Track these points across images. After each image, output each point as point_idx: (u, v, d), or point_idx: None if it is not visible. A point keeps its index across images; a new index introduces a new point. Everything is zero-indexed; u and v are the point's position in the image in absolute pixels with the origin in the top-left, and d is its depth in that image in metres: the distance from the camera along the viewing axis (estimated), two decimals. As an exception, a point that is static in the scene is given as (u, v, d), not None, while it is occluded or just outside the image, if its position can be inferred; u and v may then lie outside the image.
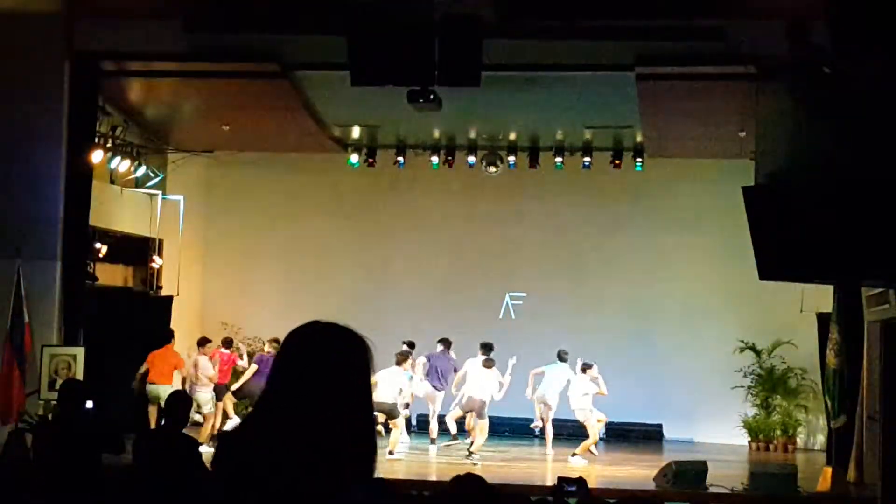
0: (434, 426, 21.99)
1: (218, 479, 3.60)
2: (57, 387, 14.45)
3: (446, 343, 22.19)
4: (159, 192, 23.52)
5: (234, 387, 21.13)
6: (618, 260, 25.04)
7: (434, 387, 21.98)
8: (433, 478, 17.79)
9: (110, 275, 21.99)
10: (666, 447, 23.30)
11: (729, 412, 23.56)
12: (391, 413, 19.96)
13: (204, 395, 20.59)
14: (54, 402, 13.71)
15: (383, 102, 20.04)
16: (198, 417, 20.96)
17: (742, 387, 23.74)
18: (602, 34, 17.97)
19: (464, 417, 21.06)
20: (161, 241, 23.62)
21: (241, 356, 21.80)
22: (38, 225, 18.88)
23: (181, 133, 23.91)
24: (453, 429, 21.21)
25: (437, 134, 23.88)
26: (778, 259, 11.75)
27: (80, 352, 18.63)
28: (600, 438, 21.52)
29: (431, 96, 17.50)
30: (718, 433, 23.66)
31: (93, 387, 14.95)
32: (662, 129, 21.76)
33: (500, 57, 17.82)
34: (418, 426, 23.50)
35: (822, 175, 11.35)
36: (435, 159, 24.40)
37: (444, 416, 21.77)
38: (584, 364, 20.85)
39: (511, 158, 24.18)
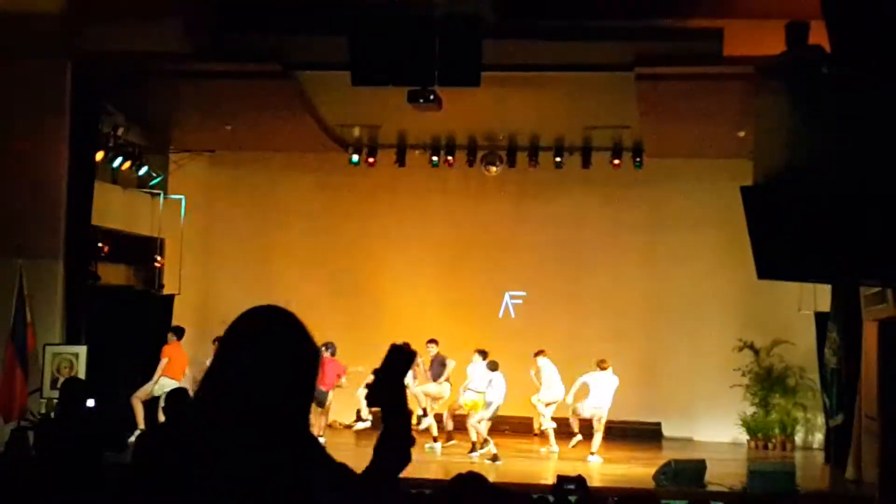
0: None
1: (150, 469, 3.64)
2: (59, 385, 14.48)
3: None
4: (161, 192, 23.54)
5: None
6: (617, 259, 25.05)
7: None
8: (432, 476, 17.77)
9: (112, 274, 22.00)
10: (665, 445, 23.33)
11: (727, 411, 23.61)
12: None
13: None
14: (56, 401, 13.76)
15: (384, 102, 20.10)
16: None
17: (741, 385, 23.76)
18: (601, 34, 18.02)
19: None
20: (163, 241, 23.64)
21: None
22: (41, 224, 18.94)
23: (183, 133, 23.96)
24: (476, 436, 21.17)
25: (437, 133, 23.94)
26: (776, 258, 11.75)
27: (82, 351, 18.70)
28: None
29: (431, 96, 17.53)
30: (717, 431, 23.73)
31: (94, 385, 14.99)
32: (661, 129, 21.80)
33: (499, 57, 17.87)
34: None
35: (820, 175, 11.34)
36: (435, 159, 24.45)
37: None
38: (604, 362, 20.96)
39: (511, 158, 24.22)
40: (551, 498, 12.45)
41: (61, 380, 16.20)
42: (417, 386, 21.24)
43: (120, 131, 21.15)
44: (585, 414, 20.93)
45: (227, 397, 3.56)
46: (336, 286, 25.09)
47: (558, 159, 24.06)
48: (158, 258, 23.52)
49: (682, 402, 23.98)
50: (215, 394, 3.62)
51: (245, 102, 20.95)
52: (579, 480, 12.76)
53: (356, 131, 24.02)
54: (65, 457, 10.27)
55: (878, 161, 10.92)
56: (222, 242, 25.62)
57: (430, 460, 19.95)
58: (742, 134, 19.69)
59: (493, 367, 20.56)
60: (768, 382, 23.75)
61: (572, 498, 12.15)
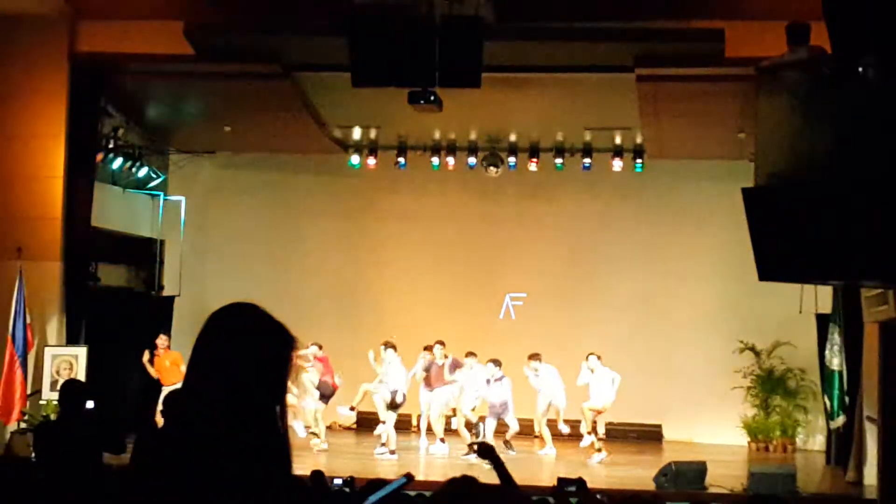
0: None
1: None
2: (58, 387, 14.47)
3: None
4: (161, 193, 23.53)
5: None
6: (617, 261, 25.00)
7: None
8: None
9: (112, 275, 22.02)
10: (665, 447, 23.28)
11: (728, 412, 23.54)
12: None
13: None
14: (56, 403, 13.73)
15: (384, 103, 20.12)
16: None
17: (741, 387, 23.71)
18: (602, 36, 18.02)
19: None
20: (163, 242, 23.63)
21: None
22: (40, 225, 18.95)
23: (183, 134, 23.91)
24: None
25: (437, 135, 23.93)
26: (777, 260, 11.73)
27: (81, 352, 18.72)
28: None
29: (432, 97, 17.53)
30: (718, 433, 23.66)
31: (94, 387, 14.98)
32: (662, 131, 21.75)
33: (500, 58, 17.86)
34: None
35: (821, 176, 11.33)
36: (435, 160, 24.42)
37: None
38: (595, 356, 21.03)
39: (511, 159, 24.18)
40: (552, 500, 12.41)
41: (61, 381, 16.18)
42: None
43: (120, 132, 21.14)
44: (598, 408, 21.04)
45: (197, 397, 3.52)
46: (336, 287, 25.05)
47: (559, 161, 24.02)
48: (158, 259, 23.50)
49: (683, 404, 23.92)
50: (186, 394, 3.60)
51: (245, 103, 20.94)
52: (579, 482, 12.71)
53: (357, 132, 23.96)
54: (64, 459, 10.25)
55: (879, 162, 10.89)
56: (222, 244, 25.55)
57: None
58: (743, 135, 19.69)
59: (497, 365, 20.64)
60: (769, 384, 23.70)
61: (573, 500, 12.11)
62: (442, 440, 21.09)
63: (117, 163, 21.28)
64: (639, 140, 23.18)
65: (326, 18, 17.68)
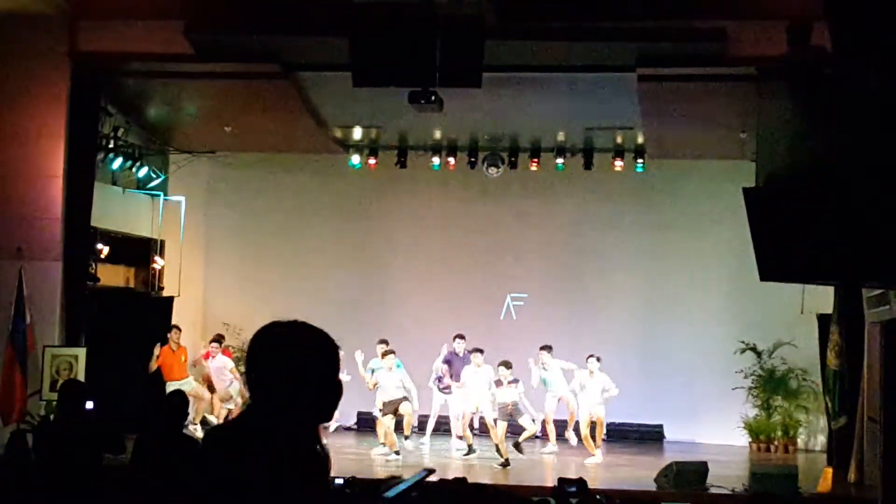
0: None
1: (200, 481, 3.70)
2: (58, 387, 14.45)
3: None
4: (161, 193, 23.50)
5: None
6: (619, 261, 25.01)
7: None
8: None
9: (112, 275, 21.97)
10: (666, 448, 23.28)
11: (729, 413, 23.53)
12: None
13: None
14: (55, 403, 13.73)
15: (385, 103, 20.11)
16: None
17: (743, 388, 23.71)
18: (603, 35, 18.00)
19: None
20: (163, 242, 23.60)
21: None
22: (40, 225, 18.92)
23: (183, 134, 23.84)
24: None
25: (438, 135, 23.85)
26: (778, 260, 11.71)
27: (81, 352, 18.69)
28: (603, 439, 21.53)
29: (433, 97, 17.44)
30: (719, 434, 23.64)
31: (94, 387, 14.95)
32: (663, 131, 21.78)
33: (501, 58, 17.83)
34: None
35: (822, 176, 11.31)
36: (436, 160, 24.38)
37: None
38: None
39: (512, 160, 24.15)
40: (552, 500, 12.40)
41: (61, 382, 16.18)
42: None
43: (120, 132, 21.09)
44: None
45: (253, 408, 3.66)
46: (337, 288, 25.05)
47: (560, 161, 23.98)
48: (158, 259, 23.47)
49: (684, 405, 23.92)
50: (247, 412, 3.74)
51: (245, 103, 20.96)
52: (580, 483, 12.70)
53: (357, 132, 23.91)
54: (64, 459, 10.25)
55: (881, 162, 10.87)
56: (222, 244, 25.59)
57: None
58: (744, 135, 19.66)
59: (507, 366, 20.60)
60: (770, 384, 23.70)
61: (573, 500, 12.10)
62: (459, 437, 21.16)
63: (117, 163, 21.21)
64: (640, 140, 23.13)
65: (327, 18, 17.64)
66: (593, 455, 20.56)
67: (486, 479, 17.06)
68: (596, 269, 25.09)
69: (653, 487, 17.22)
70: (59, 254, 19.02)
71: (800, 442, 23.72)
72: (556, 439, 21.63)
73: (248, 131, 22.88)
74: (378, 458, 20.00)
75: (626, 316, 24.64)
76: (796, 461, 21.50)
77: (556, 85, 19.93)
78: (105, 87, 20.04)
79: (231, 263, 25.44)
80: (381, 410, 20.38)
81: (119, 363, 20.25)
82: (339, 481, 11.84)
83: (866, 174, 10.89)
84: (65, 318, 19.17)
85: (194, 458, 10.25)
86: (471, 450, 20.65)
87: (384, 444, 20.24)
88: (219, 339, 21.91)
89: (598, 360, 20.97)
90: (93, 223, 19.96)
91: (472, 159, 24.29)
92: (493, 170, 24.21)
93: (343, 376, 20.10)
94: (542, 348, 21.17)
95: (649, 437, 24.12)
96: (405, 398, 20.47)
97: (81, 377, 17.70)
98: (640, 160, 23.84)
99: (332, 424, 21.73)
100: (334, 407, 3.77)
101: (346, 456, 20.09)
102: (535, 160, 24.10)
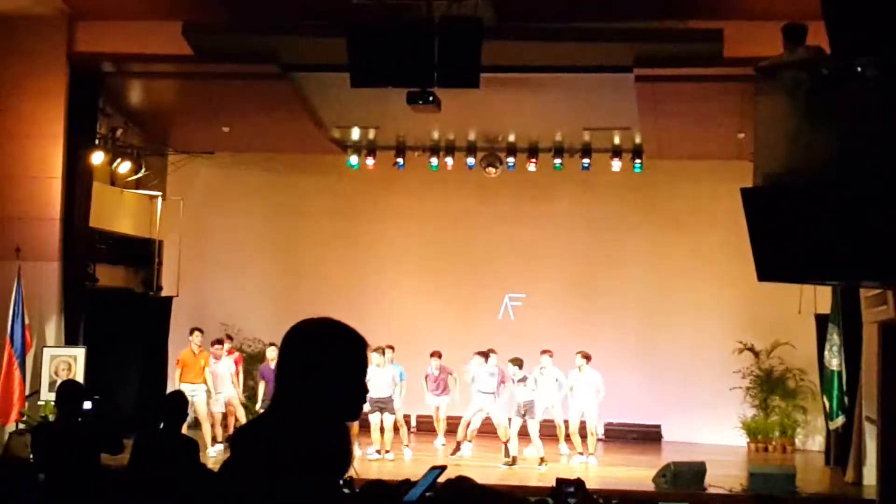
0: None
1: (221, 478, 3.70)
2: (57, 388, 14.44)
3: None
4: (159, 194, 23.50)
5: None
6: (616, 261, 24.98)
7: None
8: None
9: (110, 276, 21.94)
10: (664, 448, 23.25)
11: (727, 413, 23.52)
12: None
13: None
14: (54, 403, 13.72)
15: (383, 104, 20.08)
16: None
17: (740, 388, 23.70)
18: (601, 36, 18.00)
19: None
20: (161, 242, 23.59)
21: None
22: (38, 225, 18.93)
23: (181, 134, 23.86)
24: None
25: (436, 135, 23.86)
26: (776, 260, 11.73)
27: (80, 353, 18.73)
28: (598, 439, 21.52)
29: (431, 97, 17.47)
30: (717, 434, 23.61)
31: (92, 387, 14.95)
32: (661, 131, 21.75)
33: (499, 58, 17.79)
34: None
35: (820, 176, 11.33)
36: (434, 160, 24.35)
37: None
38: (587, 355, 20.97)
39: (510, 160, 24.15)
40: (550, 501, 12.42)
41: (59, 382, 16.16)
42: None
43: (118, 133, 21.10)
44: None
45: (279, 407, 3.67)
46: (335, 288, 24.98)
47: (558, 161, 23.97)
48: (157, 260, 23.46)
49: (682, 405, 23.90)
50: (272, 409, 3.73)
51: (243, 104, 20.92)
52: (578, 484, 12.73)
53: (355, 132, 23.95)
54: (62, 460, 10.23)
55: (878, 162, 10.88)
56: (221, 244, 25.52)
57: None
58: (742, 135, 19.66)
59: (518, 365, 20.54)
60: (768, 385, 23.69)
61: (571, 501, 12.12)
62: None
63: (116, 163, 21.22)
64: (638, 140, 23.16)
65: (325, 19, 17.64)
66: (581, 455, 20.50)
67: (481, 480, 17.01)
68: (593, 269, 25.04)
69: (651, 487, 17.24)
70: (57, 254, 19.04)
71: (798, 442, 23.71)
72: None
73: (246, 132, 22.87)
74: (371, 457, 20.04)
75: (623, 316, 24.60)
76: (794, 461, 21.49)
77: (553, 85, 19.93)
78: (103, 88, 20.08)
79: (229, 264, 25.39)
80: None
81: (118, 363, 20.25)
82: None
83: (864, 174, 10.91)
84: (63, 318, 19.19)
85: (193, 458, 10.31)
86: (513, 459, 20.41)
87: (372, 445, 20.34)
88: (221, 340, 21.48)
89: (586, 357, 20.85)
90: (91, 223, 20.00)
91: (470, 159, 24.29)
92: (490, 170, 24.22)
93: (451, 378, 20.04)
94: (544, 352, 21.04)
95: (647, 437, 24.10)
96: (391, 397, 20.45)
97: (80, 377, 17.70)
98: (637, 160, 23.83)
99: None
100: (361, 405, 3.79)
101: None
102: (533, 160, 24.07)
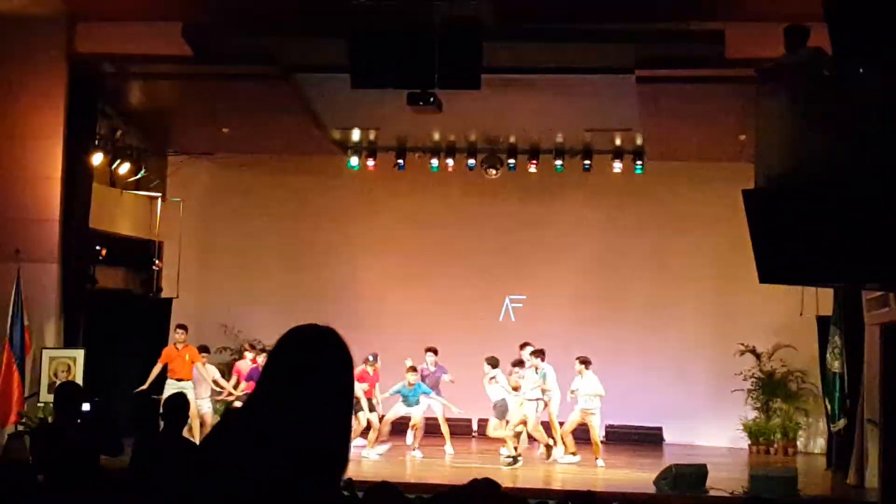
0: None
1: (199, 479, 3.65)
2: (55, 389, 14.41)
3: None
4: (159, 195, 23.45)
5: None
6: (617, 263, 24.92)
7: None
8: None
9: (110, 277, 21.91)
10: (666, 450, 23.21)
11: (729, 415, 23.48)
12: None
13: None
14: (53, 405, 13.68)
15: (383, 105, 19.99)
16: None
17: (742, 390, 23.65)
18: (602, 37, 17.93)
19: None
20: (161, 244, 23.55)
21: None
22: (38, 227, 18.87)
23: (181, 135, 23.85)
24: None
25: (436, 136, 23.81)
26: (778, 262, 11.71)
27: (79, 354, 18.66)
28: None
29: (431, 99, 17.37)
30: (718, 436, 23.61)
31: (92, 389, 14.92)
32: (662, 132, 21.76)
33: (500, 59, 17.78)
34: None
35: (822, 178, 11.30)
36: (435, 162, 24.32)
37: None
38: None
39: (511, 161, 24.12)
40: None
41: (58, 384, 16.14)
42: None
43: (118, 134, 21.05)
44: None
45: (266, 416, 3.57)
46: (336, 290, 24.97)
47: (559, 163, 23.98)
48: (156, 261, 23.42)
49: (684, 407, 23.83)
50: (255, 412, 3.63)
51: (243, 105, 20.88)
52: (588, 498, 12.62)
53: (356, 134, 23.91)
54: (61, 462, 10.20)
55: (880, 163, 10.85)
56: (221, 245, 25.48)
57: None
58: (743, 137, 19.64)
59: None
60: (770, 387, 23.64)
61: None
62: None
63: (115, 164, 21.18)
64: (639, 142, 23.13)
65: (325, 20, 17.57)
66: (573, 455, 20.41)
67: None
68: (594, 271, 24.99)
69: (652, 490, 17.15)
70: (56, 255, 18.98)
71: (799, 444, 23.66)
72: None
73: (246, 133, 22.85)
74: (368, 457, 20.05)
75: (624, 318, 24.54)
76: (796, 464, 21.41)
77: (554, 87, 19.86)
78: (103, 89, 20.05)
79: (229, 265, 25.33)
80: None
81: (117, 365, 20.21)
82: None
83: (865, 176, 10.87)
84: (62, 320, 19.13)
85: (188, 462, 10.29)
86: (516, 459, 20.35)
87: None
88: (204, 348, 21.43)
89: (585, 362, 20.77)
90: (91, 225, 19.95)
91: (471, 161, 24.26)
92: (491, 171, 24.18)
93: (445, 377, 20.14)
94: (535, 352, 20.98)
95: (648, 439, 24.02)
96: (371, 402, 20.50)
97: (79, 379, 17.63)
98: (639, 162, 23.84)
99: None
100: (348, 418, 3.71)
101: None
102: (534, 162, 24.06)
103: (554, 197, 25.00)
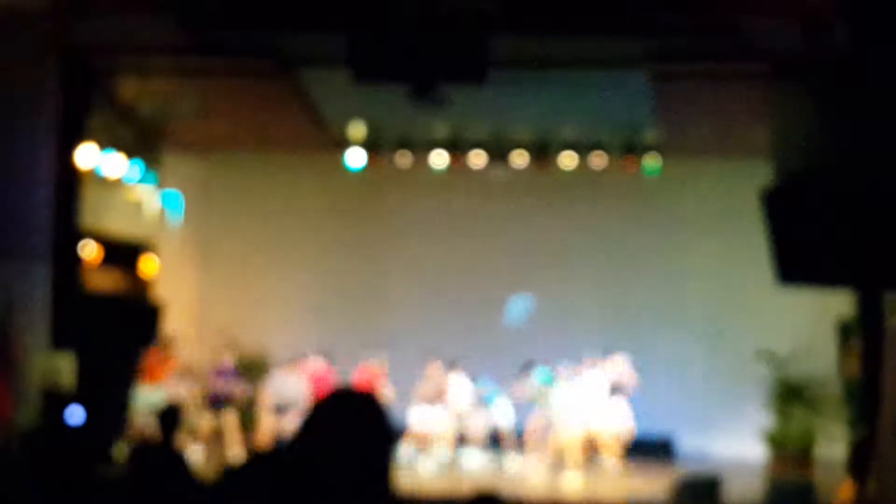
0: None
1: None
2: (44, 395, 14.40)
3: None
4: (154, 193, 23.22)
5: None
6: (630, 263, 24.89)
7: None
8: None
9: (102, 278, 21.63)
10: (678, 459, 23.11)
11: (745, 423, 23.12)
12: None
13: None
14: (41, 411, 13.58)
15: (386, 101, 19.72)
16: None
17: (759, 396, 23.28)
18: (614, 30, 17.71)
19: None
20: (155, 244, 23.33)
21: None
22: (27, 226, 18.53)
23: (176, 131, 23.61)
24: None
25: (441, 133, 23.63)
26: (797, 264, 11.56)
27: (69, 359, 18.33)
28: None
29: (436, 95, 17.28)
30: (733, 445, 23.27)
31: (83, 395, 14.78)
32: (676, 128, 21.67)
33: (507, 53, 17.47)
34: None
35: (841, 176, 11.12)
36: (439, 160, 24.10)
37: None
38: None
39: (518, 158, 23.87)
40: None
41: (47, 389, 16.06)
42: None
43: (111, 129, 20.78)
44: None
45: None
46: (337, 290, 25.03)
47: (567, 159, 23.78)
48: (149, 262, 23.16)
49: (698, 414, 23.71)
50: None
51: (242, 100, 20.80)
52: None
53: (357, 130, 23.70)
54: (51, 468, 10.19)
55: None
56: (217, 245, 25.51)
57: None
58: (759, 133, 19.40)
59: None
60: (788, 393, 23.24)
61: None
62: None
63: (108, 161, 20.88)
64: (652, 139, 23.00)
65: (327, 13, 17.35)
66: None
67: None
68: (605, 271, 24.99)
69: (663, 500, 16.99)
70: (46, 255, 18.63)
71: (818, 453, 23.26)
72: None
73: (244, 129, 22.84)
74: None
75: (636, 320, 24.48)
76: (814, 473, 21.07)
77: (563, 82, 19.85)
78: (95, 83, 19.74)
79: (226, 265, 25.38)
80: None
81: (108, 369, 19.91)
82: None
83: (889, 174, 10.68)
84: (52, 322, 18.77)
85: (184, 473, 10.10)
86: None
87: None
88: None
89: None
90: (82, 224, 19.63)
91: (477, 158, 23.99)
92: (497, 169, 24.06)
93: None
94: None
95: (659, 447, 23.79)
96: None
97: (70, 384, 17.41)
98: (650, 159, 23.61)
99: None
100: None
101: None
102: (542, 159, 23.86)
103: (561, 195, 24.85)
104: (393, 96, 18.40)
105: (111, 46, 18.82)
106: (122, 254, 22.53)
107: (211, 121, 22.29)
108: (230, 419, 21.00)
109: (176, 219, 23.67)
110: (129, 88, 20.92)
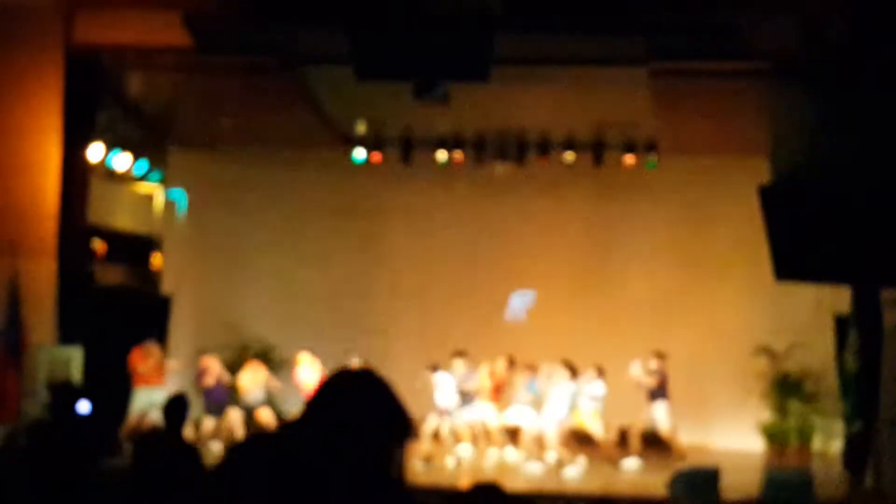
0: None
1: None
2: (50, 388, 14.40)
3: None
4: (160, 189, 23.30)
5: None
6: (629, 260, 24.78)
7: None
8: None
9: (109, 273, 21.74)
10: (678, 452, 22.96)
11: (743, 417, 23.20)
12: None
13: None
14: (48, 404, 13.61)
15: (389, 97, 19.75)
16: None
17: (757, 390, 23.37)
18: (615, 28, 17.83)
19: None
20: (161, 239, 23.41)
21: None
22: (35, 221, 18.65)
23: (182, 128, 23.71)
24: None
25: (444, 130, 23.57)
26: (794, 260, 11.65)
27: (76, 352, 18.46)
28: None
29: (439, 91, 17.25)
30: (732, 438, 23.28)
31: (89, 388, 14.81)
32: (675, 126, 21.61)
33: (509, 51, 17.49)
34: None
35: (840, 173, 11.17)
36: (442, 156, 24.10)
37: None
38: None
39: (520, 155, 23.91)
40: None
41: (55, 382, 16.08)
42: None
43: (117, 126, 20.85)
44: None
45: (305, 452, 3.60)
46: (341, 286, 24.92)
47: (569, 156, 23.76)
48: (156, 257, 23.26)
49: (696, 408, 23.60)
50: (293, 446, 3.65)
51: (246, 97, 20.68)
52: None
53: (361, 127, 23.72)
54: (57, 462, 10.16)
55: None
56: (222, 241, 25.35)
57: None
58: (758, 132, 19.45)
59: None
60: (785, 387, 23.34)
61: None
62: None
63: (115, 157, 20.97)
64: (651, 136, 22.93)
65: (331, 9, 17.40)
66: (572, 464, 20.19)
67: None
68: (605, 268, 24.88)
69: (662, 494, 16.90)
70: (53, 250, 18.74)
71: (816, 446, 23.35)
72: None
73: (249, 126, 22.61)
74: None
75: (635, 316, 24.34)
76: (812, 466, 21.14)
77: (565, 79, 19.84)
78: (101, 80, 19.80)
79: (231, 261, 25.24)
80: None
81: (115, 363, 19.99)
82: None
83: (887, 171, 10.76)
84: (60, 316, 18.87)
85: (193, 464, 10.15)
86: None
87: None
88: None
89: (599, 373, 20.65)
90: (89, 219, 19.79)
91: (480, 155, 24.05)
92: (500, 165, 23.99)
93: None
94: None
95: (659, 441, 23.75)
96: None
97: (77, 377, 17.58)
98: (651, 156, 23.62)
99: None
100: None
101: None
102: (544, 155, 23.86)
103: (564, 191, 24.78)
104: (396, 93, 18.42)
105: (117, 43, 18.85)
106: (129, 249, 22.63)
107: (215, 117, 22.26)
108: (234, 416, 20.86)
109: (182, 214, 23.72)
110: (135, 85, 20.97)
